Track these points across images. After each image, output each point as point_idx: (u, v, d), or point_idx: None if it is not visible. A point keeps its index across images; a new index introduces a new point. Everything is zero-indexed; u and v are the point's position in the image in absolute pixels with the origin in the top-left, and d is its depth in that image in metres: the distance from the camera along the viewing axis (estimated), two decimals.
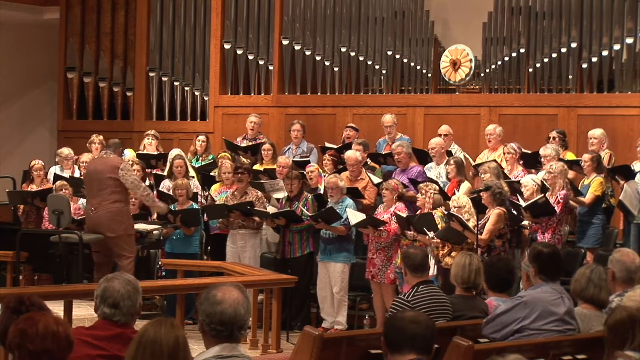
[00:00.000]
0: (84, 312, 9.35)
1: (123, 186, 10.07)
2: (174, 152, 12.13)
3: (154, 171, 12.20)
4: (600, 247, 10.05)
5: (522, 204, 9.65)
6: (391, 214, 9.98)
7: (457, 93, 13.07)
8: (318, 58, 13.69)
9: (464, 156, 11.30)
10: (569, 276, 6.40)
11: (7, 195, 12.14)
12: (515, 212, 9.69)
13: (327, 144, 12.16)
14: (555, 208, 9.62)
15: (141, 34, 14.88)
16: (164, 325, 3.65)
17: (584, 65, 12.32)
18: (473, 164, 10.88)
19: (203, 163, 12.30)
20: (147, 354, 3.59)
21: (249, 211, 10.50)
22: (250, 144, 12.43)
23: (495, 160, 10.65)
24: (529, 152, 11.12)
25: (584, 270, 5.88)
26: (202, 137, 12.59)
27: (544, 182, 9.99)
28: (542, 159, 10.45)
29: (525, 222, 9.83)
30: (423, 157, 11.23)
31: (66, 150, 12.57)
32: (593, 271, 5.84)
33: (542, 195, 9.66)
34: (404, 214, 9.80)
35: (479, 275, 6.45)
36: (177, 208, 10.90)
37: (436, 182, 10.33)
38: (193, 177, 11.77)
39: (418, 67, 13.20)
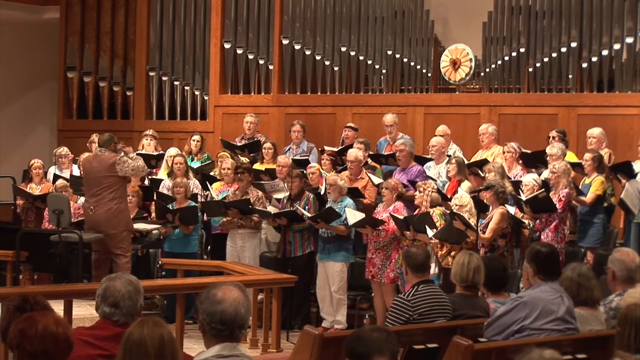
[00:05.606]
0: (84, 312, 9.34)
1: (120, 183, 10.10)
2: (171, 151, 12.12)
3: (154, 171, 12.19)
4: (600, 246, 10.05)
5: (523, 197, 9.66)
6: (389, 214, 9.96)
7: (457, 92, 13.06)
8: (318, 57, 13.68)
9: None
10: None
11: (12, 189, 12.16)
12: (516, 208, 9.71)
13: (327, 148, 12.12)
14: (557, 205, 9.63)
15: (141, 33, 14.88)
16: (147, 325, 3.62)
17: (584, 65, 12.31)
18: (466, 162, 10.87)
19: (200, 163, 12.29)
20: (134, 356, 3.58)
21: (248, 209, 10.48)
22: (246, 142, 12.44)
23: (486, 159, 10.64)
24: (529, 151, 11.12)
25: (570, 274, 5.88)
26: (196, 137, 12.57)
27: (547, 181, 9.99)
28: (548, 158, 10.45)
29: (526, 222, 9.83)
30: (422, 162, 11.16)
31: (62, 149, 12.57)
32: (580, 275, 5.85)
33: (543, 189, 9.66)
34: (401, 216, 9.78)
35: (477, 273, 6.44)
36: (175, 207, 10.87)
37: (435, 182, 10.32)
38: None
39: (418, 67, 13.19)
